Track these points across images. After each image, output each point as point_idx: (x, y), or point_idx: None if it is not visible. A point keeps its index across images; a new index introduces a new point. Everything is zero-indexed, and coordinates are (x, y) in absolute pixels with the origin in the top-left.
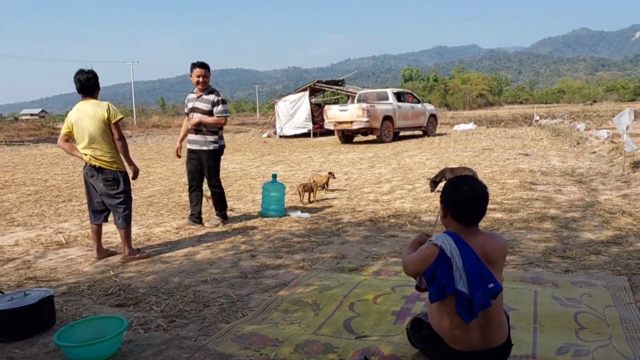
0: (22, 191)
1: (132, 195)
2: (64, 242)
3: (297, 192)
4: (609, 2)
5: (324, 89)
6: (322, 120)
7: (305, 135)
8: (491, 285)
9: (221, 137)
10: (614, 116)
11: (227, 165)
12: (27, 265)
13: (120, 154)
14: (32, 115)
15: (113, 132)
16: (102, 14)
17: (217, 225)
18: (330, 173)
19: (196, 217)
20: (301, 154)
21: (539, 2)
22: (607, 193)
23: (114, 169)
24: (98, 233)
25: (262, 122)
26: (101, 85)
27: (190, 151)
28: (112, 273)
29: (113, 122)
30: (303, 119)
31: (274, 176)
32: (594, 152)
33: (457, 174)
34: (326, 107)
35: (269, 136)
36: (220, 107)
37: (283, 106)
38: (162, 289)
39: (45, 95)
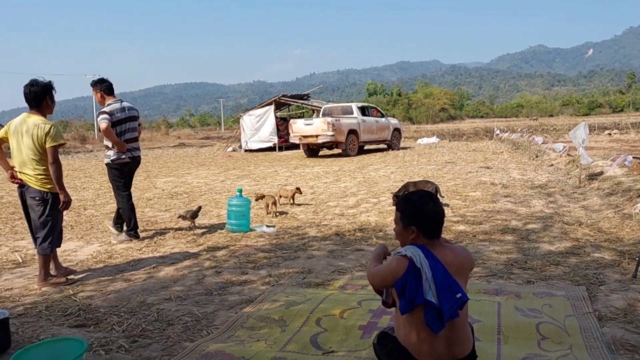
0: None
1: (93, 211)
2: (21, 260)
3: (263, 201)
4: (564, 20)
5: (289, 103)
6: (288, 134)
7: (271, 149)
8: (459, 295)
9: (117, 152)
10: (570, 130)
11: (192, 180)
12: None
13: (53, 179)
14: None
15: (47, 155)
16: (62, 26)
17: (121, 241)
18: (297, 188)
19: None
20: (267, 168)
21: (497, 19)
22: (565, 205)
23: (44, 189)
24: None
25: (227, 136)
26: (61, 98)
27: None
28: (71, 292)
29: (49, 146)
30: (268, 132)
31: (240, 191)
32: (552, 165)
33: (419, 188)
34: (291, 121)
35: (234, 150)
36: (98, 117)
37: (248, 120)
38: (124, 308)
39: (1, 109)
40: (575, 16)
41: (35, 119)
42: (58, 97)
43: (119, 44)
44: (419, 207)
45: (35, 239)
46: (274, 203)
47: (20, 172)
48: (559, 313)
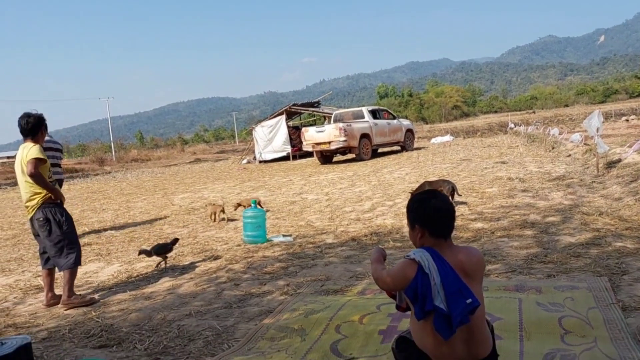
0: (0, 236)
1: (113, 232)
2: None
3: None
4: (573, 9)
5: (300, 112)
6: (301, 142)
7: (285, 158)
8: (469, 300)
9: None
10: (585, 119)
11: (208, 194)
12: (6, 312)
13: (41, 187)
14: (8, 158)
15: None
16: (73, 53)
17: None
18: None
19: None
20: (281, 177)
21: (505, 12)
22: (584, 195)
23: (45, 209)
24: (47, 277)
25: (242, 148)
26: (78, 122)
27: None
28: (94, 314)
29: (27, 159)
30: (281, 142)
31: (254, 202)
32: (569, 156)
33: (436, 187)
34: (304, 129)
35: (248, 162)
36: None
37: (261, 131)
38: (145, 326)
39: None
40: (584, 3)
41: (24, 144)
42: (75, 121)
43: (131, 65)
44: (420, 205)
45: (45, 260)
46: (222, 210)
47: (26, 208)
48: (582, 306)
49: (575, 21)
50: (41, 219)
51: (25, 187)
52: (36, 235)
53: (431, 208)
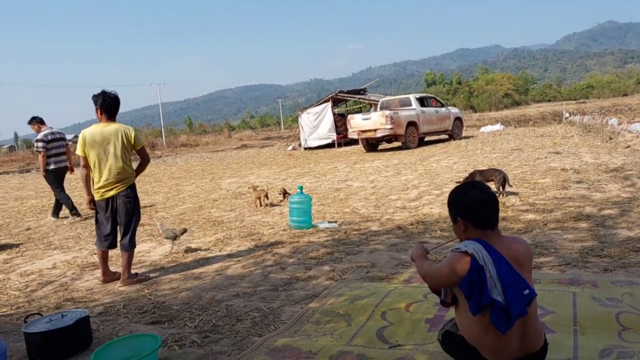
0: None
1: (164, 214)
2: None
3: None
4: None
5: (346, 99)
6: (346, 129)
7: (330, 145)
8: (527, 292)
9: (48, 164)
10: None
11: (254, 179)
12: (65, 287)
13: (141, 171)
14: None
15: (141, 156)
16: (127, 40)
17: (71, 222)
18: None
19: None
20: (326, 164)
21: None
22: None
23: (132, 187)
24: (104, 257)
25: (287, 135)
26: (130, 108)
27: None
28: (147, 291)
29: (140, 146)
30: (327, 129)
31: (300, 188)
32: (628, 147)
33: (486, 176)
34: (349, 116)
35: (294, 149)
36: (35, 144)
37: (306, 118)
38: (195, 304)
39: (77, 121)
40: None
41: (117, 125)
42: (128, 106)
43: (181, 53)
44: (458, 198)
45: (108, 244)
46: (266, 196)
47: (107, 186)
48: None
49: (638, 5)
50: (130, 195)
51: (122, 166)
52: (110, 217)
53: (471, 199)
